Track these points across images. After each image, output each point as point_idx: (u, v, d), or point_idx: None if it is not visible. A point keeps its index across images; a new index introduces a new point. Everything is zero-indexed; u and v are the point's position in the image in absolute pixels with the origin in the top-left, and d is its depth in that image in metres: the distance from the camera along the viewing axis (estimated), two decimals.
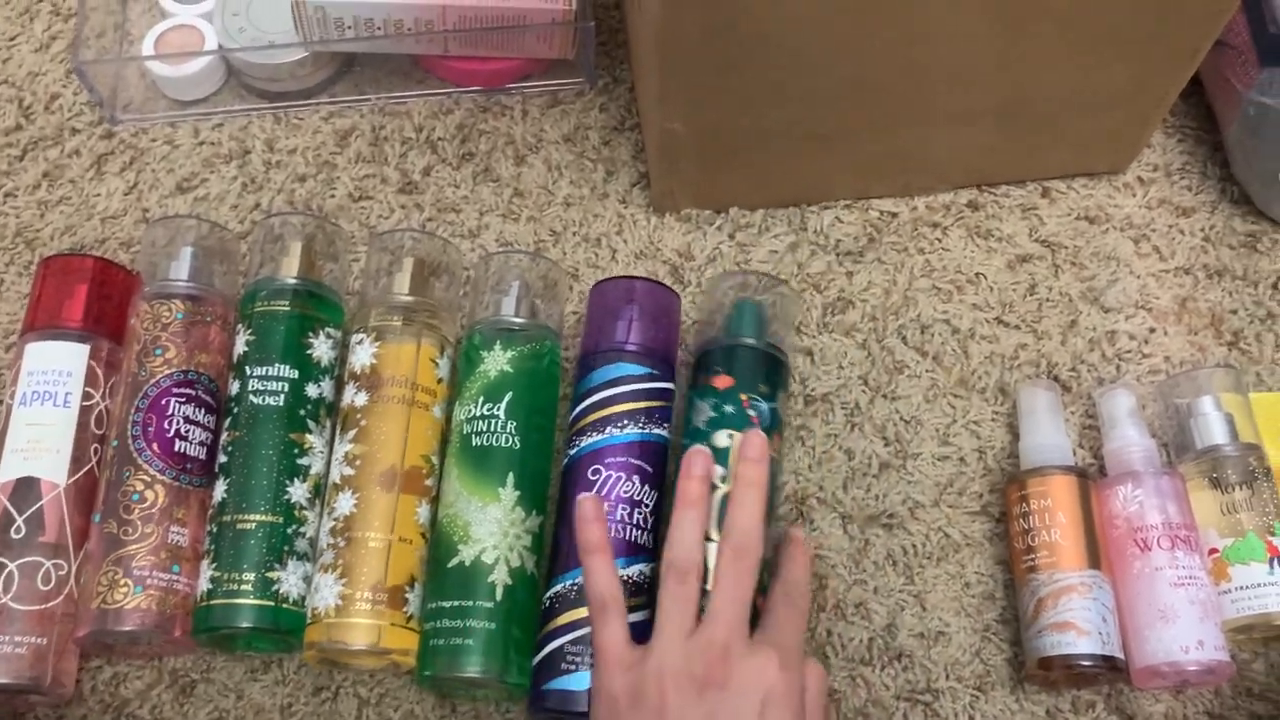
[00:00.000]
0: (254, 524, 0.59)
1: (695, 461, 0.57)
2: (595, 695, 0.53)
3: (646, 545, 0.60)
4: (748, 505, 0.55)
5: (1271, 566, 0.60)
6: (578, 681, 0.57)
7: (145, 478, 0.60)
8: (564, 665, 0.57)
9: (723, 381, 0.62)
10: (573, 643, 0.58)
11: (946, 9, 0.58)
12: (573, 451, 0.62)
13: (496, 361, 0.63)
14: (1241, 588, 0.60)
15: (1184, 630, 0.58)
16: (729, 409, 0.61)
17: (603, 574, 0.55)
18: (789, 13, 0.57)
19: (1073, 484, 0.62)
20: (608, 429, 0.61)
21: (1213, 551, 0.61)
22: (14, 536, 0.60)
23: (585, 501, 0.57)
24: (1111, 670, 0.59)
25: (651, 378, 0.63)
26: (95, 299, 0.66)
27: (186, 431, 0.62)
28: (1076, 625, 0.58)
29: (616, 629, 0.53)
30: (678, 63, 0.61)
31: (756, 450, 0.57)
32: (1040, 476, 0.62)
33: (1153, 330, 0.70)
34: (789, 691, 0.51)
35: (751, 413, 0.62)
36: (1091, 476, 0.63)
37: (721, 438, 0.60)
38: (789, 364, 0.64)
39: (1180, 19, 0.62)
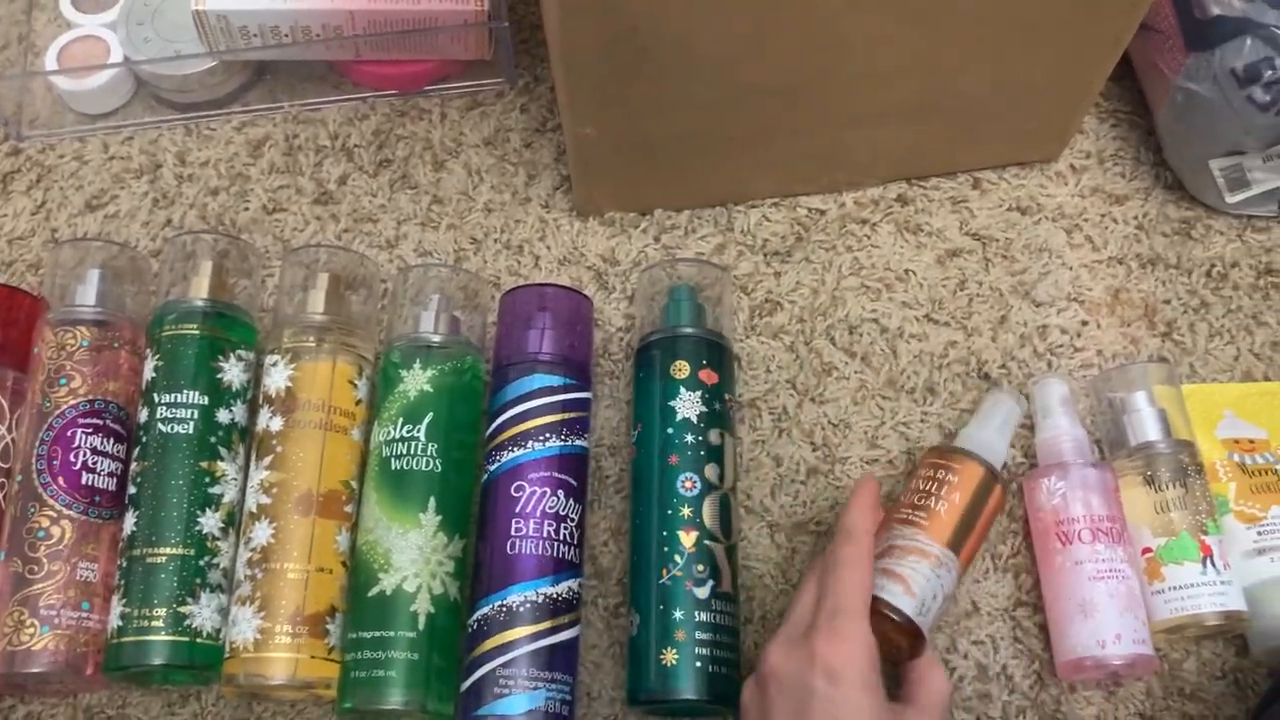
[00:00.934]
0: (165, 557, 0.58)
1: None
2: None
3: (574, 560, 0.59)
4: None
5: (1204, 566, 0.60)
6: (510, 706, 0.56)
7: (51, 513, 0.59)
8: (497, 690, 0.56)
9: (710, 377, 0.61)
10: (504, 666, 0.56)
11: (852, 12, 0.57)
12: (493, 468, 0.60)
13: (416, 381, 0.61)
14: (1175, 588, 0.60)
15: (1102, 624, 0.58)
16: (717, 406, 0.61)
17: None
18: (690, 20, 0.56)
19: (983, 478, 0.60)
20: (528, 443, 0.60)
21: (1146, 551, 0.61)
22: None
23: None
24: (913, 640, 0.57)
25: (569, 388, 0.62)
26: (0, 327, 0.64)
27: (94, 463, 0.60)
28: (909, 585, 0.57)
29: None
30: (582, 70, 0.59)
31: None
32: (963, 456, 0.61)
33: (1085, 323, 0.69)
34: (850, 662, 0.51)
35: (733, 413, 0.62)
36: (1008, 485, 0.62)
37: (715, 436, 0.60)
38: None
39: (1101, 6, 0.61)
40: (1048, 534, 0.61)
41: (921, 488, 0.60)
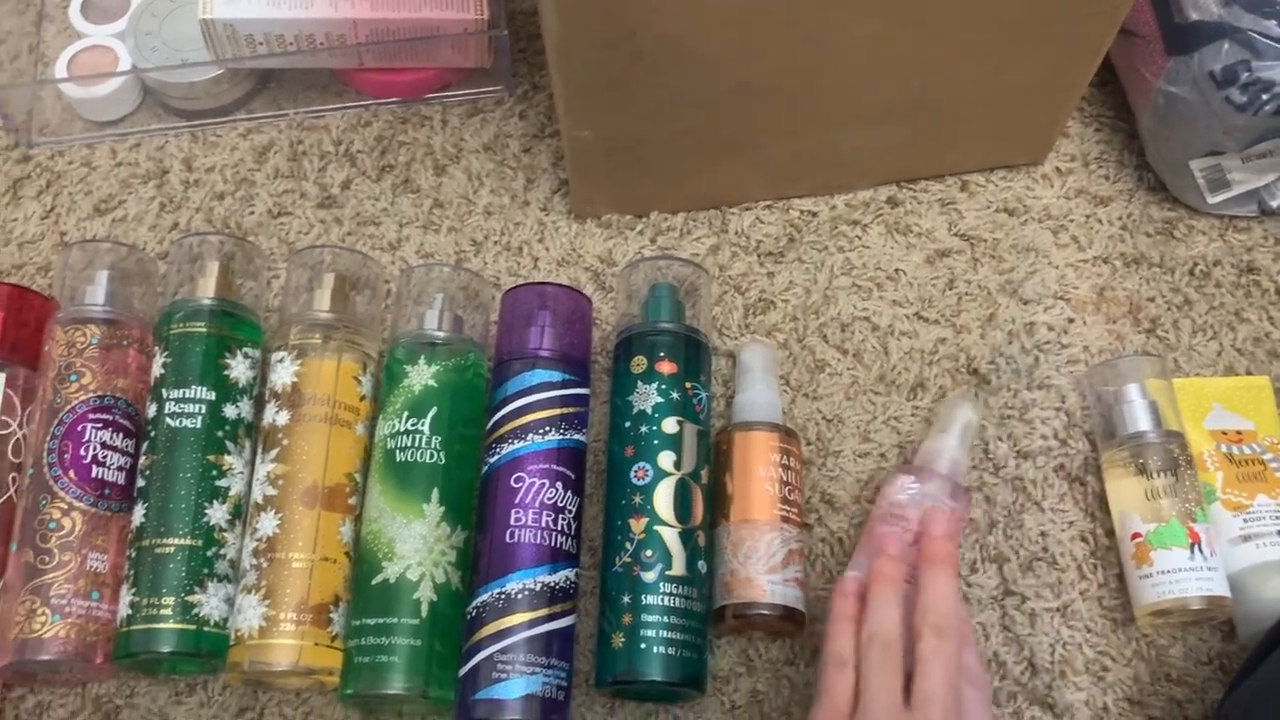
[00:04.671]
0: (173, 548, 0.59)
1: (890, 541, 0.58)
2: None
3: (571, 551, 0.61)
4: (940, 583, 0.55)
5: (1192, 552, 0.61)
6: (506, 690, 0.57)
7: (62, 505, 0.60)
8: (494, 674, 0.57)
9: (667, 367, 0.63)
10: (502, 651, 0.58)
11: (840, 13, 0.59)
12: (493, 459, 0.62)
13: (420, 376, 0.63)
14: (1162, 572, 0.61)
15: None
16: (675, 395, 0.62)
17: (845, 637, 0.55)
18: (684, 23, 0.58)
19: (794, 442, 0.64)
20: (528, 436, 0.62)
21: (1135, 536, 0.62)
22: None
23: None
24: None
25: (567, 384, 0.63)
26: (11, 326, 0.65)
27: (104, 457, 0.62)
28: (802, 583, 0.61)
29: (845, 683, 0.53)
30: (579, 73, 0.61)
31: (943, 527, 0.58)
32: (782, 432, 0.63)
33: (1071, 320, 0.70)
34: None
35: (695, 401, 0.63)
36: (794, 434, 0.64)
37: (670, 424, 0.62)
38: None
39: (1081, 12, 0.63)
40: (879, 520, 0.61)
41: (780, 477, 0.62)
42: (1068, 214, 0.74)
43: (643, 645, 0.58)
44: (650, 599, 0.58)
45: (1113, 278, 0.72)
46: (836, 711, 0.53)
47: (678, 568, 0.59)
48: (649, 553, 0.59)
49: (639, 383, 0.63)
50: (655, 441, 0.61)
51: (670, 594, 0.59)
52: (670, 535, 0.60)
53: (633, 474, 0.61)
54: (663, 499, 0.60)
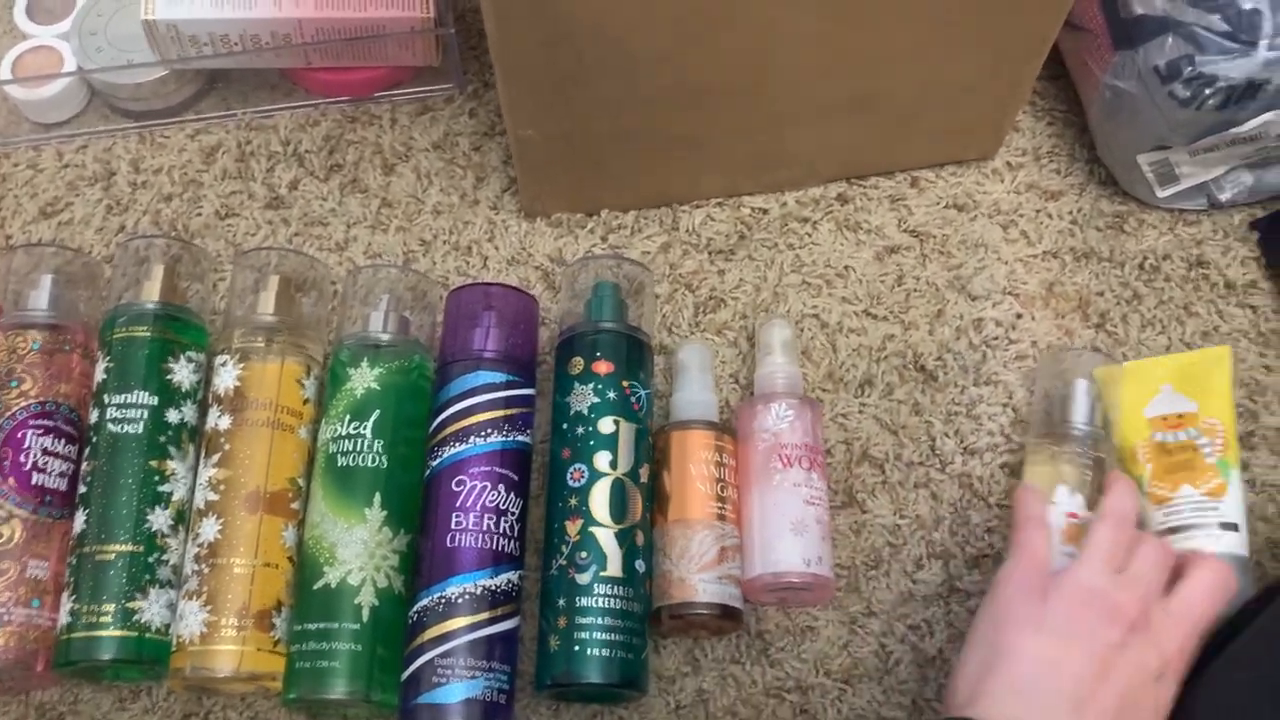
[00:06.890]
0: (114, 554, 0.59)
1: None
2: (1001, 586, 0.55)
3: (513, 553, 0.61)
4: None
5: None
6: (447, 694, 0.57)
7: (1, 513, 0.60)
8: (434, 679, 0.57)
9: (604, 367, 0.63)
10: (442, 656, 0.58)
11: (783, 11, 0.58)
12: (435, 463, 0.62)
13: (363, 379, 0.63)
14: None
15: (810, 545, 0.61)
16: (611, 395, 0.62)
17: (1041, 504, 0.59)
18: (623, 24, 0.57)
19: (729, 441, 0.64)
20: (470, 438, 0.61)
21: (1071, 515, 0.62)
22: None
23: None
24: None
25: (511, 384, 0.63)
26: None
27: (45, 464, 0.61)
28: (738, 580, 0.62)
29: (1044, 539, 0.56)
30: (519, 72, 0.61)
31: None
32: (718, 430, 0.64)
33: (1020, 316, 0.70)
34: (1182, 666, 0.52)
35: (633, 399, 0.63)
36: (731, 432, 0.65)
37: (607, 424, 0.61)
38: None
39: (1025, 6, 0.63)
40: (769, 454, 0.62)
41: (715, 475, 0.62)
42: (1018, 209, 0.73)
43: (577, 647, 0.58)
44: (585, 601, 0.58)
45: (1062, 273, 0.72)
46: (1037, 565, 0.55)
47: (613, 568, 0.59)
48: (584, 554, 0.59)
49: (576, 384, 0.63)
50: (591, 442, 0.61)
51: (606, 595, 0.58)
52: (605, 536, 0.60)
53: (569, 476, 0.61)
54: (598, 500, 0.60)
